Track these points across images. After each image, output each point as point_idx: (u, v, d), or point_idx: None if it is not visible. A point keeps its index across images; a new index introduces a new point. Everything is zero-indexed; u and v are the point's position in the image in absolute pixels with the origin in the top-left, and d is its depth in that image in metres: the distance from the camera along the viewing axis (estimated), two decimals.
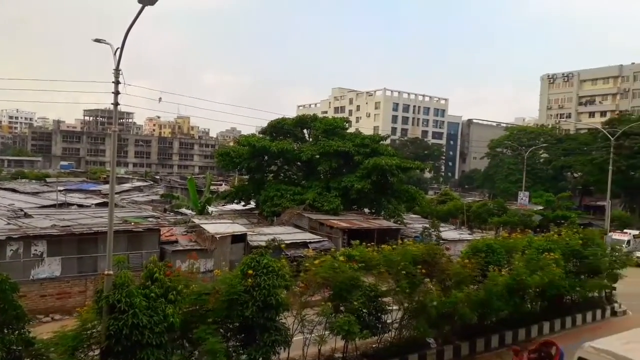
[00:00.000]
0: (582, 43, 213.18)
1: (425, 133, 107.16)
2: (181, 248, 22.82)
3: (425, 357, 14.94)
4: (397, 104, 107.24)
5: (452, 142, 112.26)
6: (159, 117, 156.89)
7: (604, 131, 44.62)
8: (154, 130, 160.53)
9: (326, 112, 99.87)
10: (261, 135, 39.22)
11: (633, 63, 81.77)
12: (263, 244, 20.82)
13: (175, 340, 10.77)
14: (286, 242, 23.94)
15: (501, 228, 41.23)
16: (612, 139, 37.89)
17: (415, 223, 36.23)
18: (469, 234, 33.12)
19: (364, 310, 13.18)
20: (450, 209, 48.42)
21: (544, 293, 18.18)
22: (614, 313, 22.08)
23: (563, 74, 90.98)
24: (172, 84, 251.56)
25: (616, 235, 37.90)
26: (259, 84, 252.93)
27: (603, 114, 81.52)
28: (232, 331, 11.66)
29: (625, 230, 41.84)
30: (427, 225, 31.82)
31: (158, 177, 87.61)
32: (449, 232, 33.82)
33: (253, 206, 38.55)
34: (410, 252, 14.87)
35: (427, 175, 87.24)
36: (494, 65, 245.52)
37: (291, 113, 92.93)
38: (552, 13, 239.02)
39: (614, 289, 22.56)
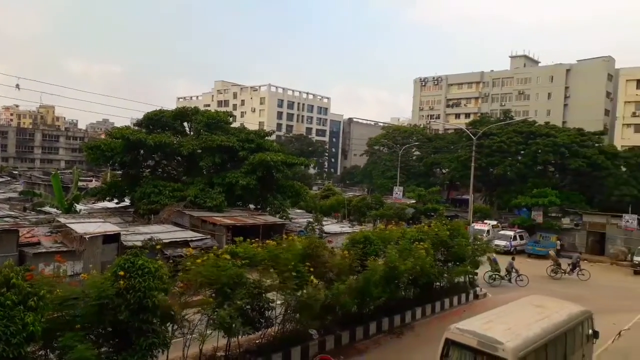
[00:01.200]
0: (451, 49, 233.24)
1: (309, 130, 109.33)
2: (44, 250, 20.56)
3: (307, 349, 15.14)
4: (282, 101, 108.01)
5: (334, 140, 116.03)
6: (17, 106, 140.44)
7: (468, 131, 49.10)
8: (11, 120, 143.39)
9: (209, 106, 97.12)
10: (137, 128, 36.72)
11: (492, 70, 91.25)
12: (139, 244, 19.59)
13: (37, 350, 9.68)
14: (165, 241, 22.82)
15: (378, 221, 43.54)
16: (474, 138, 41.75)
17: (300, 218, 36.72)
18: (350, 227, 34.40)
19: (248, 307, 12.98)
20: (332, 203, 49.96)
21: (416, 280, 19.47)
22: (476, 296, 24.37)
23: (433, 78, 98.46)
24: (33, 70, 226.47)
25: (478, 226, 41.95)
26: (134, 75, 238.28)
27: (467, 115, 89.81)
28: (104, 337, 10.77)
29: (485, 221, 46.44)
30: (311, 220, 32.44)
31: (16, 172, 78.39)
32: (331, 226, 34.79)
33: (128, 204, 36.12)
34: (297, 247, 14.95)
35: (312, 171, 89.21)
36: (372, 67, 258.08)
37: (171, 105, 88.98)
38: (425, 21, 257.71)
39: (476, 274, 24.93)
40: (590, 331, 13.75)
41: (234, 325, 12.05)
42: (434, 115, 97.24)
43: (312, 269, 14.88)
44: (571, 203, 48.85)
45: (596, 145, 53.37)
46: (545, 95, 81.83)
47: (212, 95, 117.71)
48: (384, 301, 17.98)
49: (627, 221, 41.52)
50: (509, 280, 28.50)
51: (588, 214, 46.45)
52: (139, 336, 10.67)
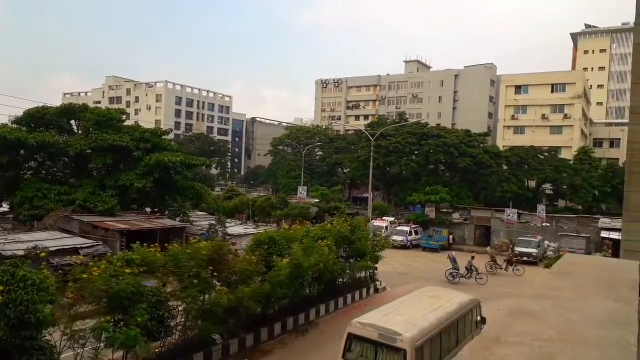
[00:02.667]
0: (350, 52, 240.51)
1: (210, 129, 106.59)
2: None
3: (210, 354, 14.73)
4: (181, 98, 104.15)
5: (237, 139, 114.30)
6: None
7: (366, 133, 50.94)
8: None
9: (99, 102, 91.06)
10: (15, 126, 33.28)
11: (388, 74, 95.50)
12: (21, 253, 17.82)
13: None
14: (51, 249, 20.96)
15: (283, 220, 43.66)
16: (372, 139, 43.40)
17: (201, 220, 35.62)
18: (254, 228, 34.07)
19: (147, 317, 12.27)
20: (236, 204, 49.16)
21: (320, 277, 19.78)
22: (376, 290, 25.33)
23: (334, 80, 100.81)
24: None
25: (377, 222, 43.65)
26: (9, 69, 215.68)
27: (366, 117, 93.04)
28: None
29: (383, 218, 48.46)
30: (214, 222, 31.63)
31: None
32: (235, 227, 34.19)
33: (6, 209, 32.64)
34: (199, 251, 14.42)
35: (214, 171, 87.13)
36: (274, 67, 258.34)
37: (55, 101, 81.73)
38: (324, 23, 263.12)
39: (376, 268, 25.89)
40: (479, 317, 14.88)
41: (136, 347, 11.35)
42: (335, 116, 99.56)
43: (215, 274, 14.49)
44: (460, 199, 52.63)
45: (481, 145, 57.99)
46: (437, 98, 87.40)
47: (103, 92, 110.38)
48: (289, 301, 18.03)
49: (509, 215, 45.65)
50: (468, 278, 28.82)
51: (475, 209, 50.38)
52: (21, 354, 9.67)
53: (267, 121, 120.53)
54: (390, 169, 58.07)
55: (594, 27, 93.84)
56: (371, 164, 42.57)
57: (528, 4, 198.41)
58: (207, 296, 14.29)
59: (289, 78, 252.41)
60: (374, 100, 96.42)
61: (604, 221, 41.49)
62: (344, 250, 22.83)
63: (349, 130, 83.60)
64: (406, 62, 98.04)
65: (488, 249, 37.88)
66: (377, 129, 56.48)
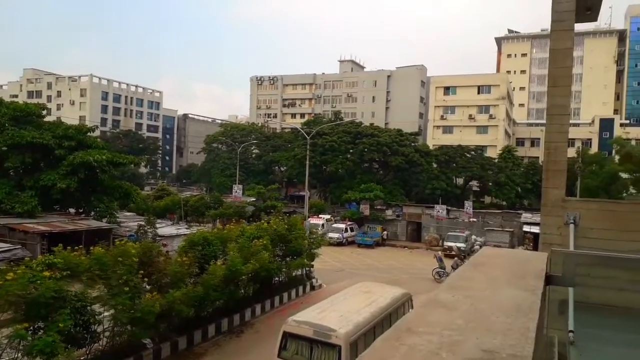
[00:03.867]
0: (288, 49, 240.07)
1: (139, 125, 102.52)
2: None
3: (141, 359, 14.21)
4: (107, 93, 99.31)
5: (168, 136, 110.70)
6: None
7: (302, 131, 51.16)
8: None
9: (16, 96, 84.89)
10: None
11: (323, 73, 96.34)
12: None
13: None
14: None
15: (218, 220, 42.88)
16: (308, 138, 43.63)
17: (130, 221, 34.17)
18: (187, 229, 33.18)
19: (70, 323, 11.62)
20: (167, 204, 47.66)
21: (256, 277, 19.61)
22: (312, 288, 25.49)
23: (269, 77, 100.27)
24: None
25: (313, 220, 43.92)
26: None
27: (303, 115, 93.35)
28: None
29: (320, 216, 48.90)
30: (143, 223, 30.45)
31: None
32: (166, 228, 33.10)
33: None
34: (128, 254, 13.81)
35: (143, 170, 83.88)
36: (207, 62, 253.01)
37: None
38: (261, 19, 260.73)
39: (312, 266, 26.05)
40: (410, 310, 15.37)
41: (57, 354, 10.68)
42: (271, 114, 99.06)
43: (145, 278, 13.98)
44: (393, 196, 54.13)
45: (412, 144, 59.97)
46: (371, 98, 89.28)
47: (21, 85, 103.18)
48: (224, 302, 17.74)
49: (438, 211, 47.49)
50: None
51: (407, 206, 52.01)
52: None
53: (200, 118, 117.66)
54: (326, 168, 58.70)
55: (516, 32, 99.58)
56: (307, 162, 42.79)
57: (458, 9, 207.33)
58: (137, 301, 13.74)
59: (223, 74, 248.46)
60: (310, 99, 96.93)
61: (525, 216, 44.20)
62: (280, 249, 22.77)
63: (285, 128, 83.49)
64: (341, 61, 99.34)
65: (454, 246, 38.99)
66: (314, 127, 56.89)
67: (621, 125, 73.71)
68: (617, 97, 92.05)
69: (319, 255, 25.81)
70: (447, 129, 74.33)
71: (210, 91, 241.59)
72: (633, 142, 58.99)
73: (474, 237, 43.18)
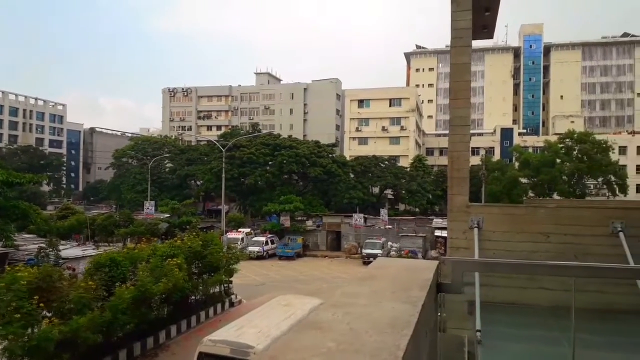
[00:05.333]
0: (199, 62, 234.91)
1: (40, 141, 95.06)
2: None
3: None
4: (2, 107, 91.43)
5: (73, 152, 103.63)
6: None
7: (217, 144, 50.15)
8: None
9: None
10: None
11: (240, 85, 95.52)
12: None
13: None
14: None
15: (128, 239, 40.65)
16: (223, 150, 42.88)
17: (29, 244, 31.40)
18: (94, 249, 31.10)
19: None
20: (72, 224, 44.34)
21: (169, 297, 18.73)
22: (231, 304, 24.83)
23: (183, 89, 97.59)
24: None
25: (232, 235, 43.13)
26: None
27: (219, 127, 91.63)
28: None
29: (239, 229, 48.09)
30: (44, 245, 28.11)
31: None
32: (71, 250, 30.83)
33: None
34: (19, 281, 12.59)
35: (46, 188, 77.79)
36: (116, 74, 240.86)
37: None
38: (174, 31, 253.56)
39: (231, 282, 25.42)
40: None
41: None
42: (185, 126, 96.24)
43: (42, 304, 12.83)
44: (313, 207, 54.59)
45: (330, 155, 61.01)
46: (288, 110, 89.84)
47: None
48: (135, 325, 16.74)
49: (356, 220, 48.53)
50: None
51: (326, 216, 52.63)
52: None
53: (109, 132, 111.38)
54: (245, 180, 57.96)
55: (423, 48, 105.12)
56: (223, 175, 41.98)
57: (370, 26, 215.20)
58: (34, 330, 12.57)
59: (134, 87, 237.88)
60: (227, 111, 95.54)
61: (437, 221, 46.39)
62: (196, 266, 21.98)
63: (201, 140, 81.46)
64: (257, 74, 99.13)
65: (433, 253, 39.57)
66: (231, 139, 56.03)
67: (519, 134, 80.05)
68: (515, 108, 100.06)
69: (238, 271, 25.24)
70: (363, 140, 76.53)
71: (120, 104, 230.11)
72: (530, 150, 64.28)
73: (390, 243, 44.54)
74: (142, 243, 23.17)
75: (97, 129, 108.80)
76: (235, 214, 57.26)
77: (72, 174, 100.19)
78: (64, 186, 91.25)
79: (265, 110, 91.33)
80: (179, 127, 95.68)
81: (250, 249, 41.89)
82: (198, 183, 67.88)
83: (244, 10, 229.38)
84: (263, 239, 45.14)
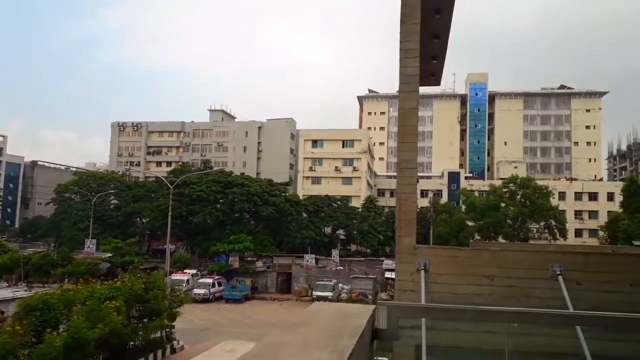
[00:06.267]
0: (156, 97, 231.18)
1: None
2: None
3: None
4: None
5: (12, 186, 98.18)
6: None
7: (166, 180, 48.89)
8: None
9: None
10: None
11: (192, 121, 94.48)
12: None
13: None
14: None
15: (66, 280, 38.35)
16: (171, 187, 41.83)
17: None
18: (26, 291, 29.03)
19: None
20: (5, 262, 41.44)
21: (106, 343, 17.56)
22: (173, 350, 23.57)
23: (133, 124, 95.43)
24: None
25: (177, 276, 41.54)
26: None
27: (169, 164, 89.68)
28: None
29: (185, 271, 46.33)
30: None
31: None
32: (1, 291, 28.67)
33: None
34: None
35: None
36: (62, 106, 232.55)
37: None
38: (125, 65, 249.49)
39: (173, 327, 24.21)
40: None
41: None
42: (134, 162, 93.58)
43: None
44: (264, 247, 53.66)
45: (283, 194, 60.69)
46: (242, 148, 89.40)
47: None
48: None
49: (307, 260, 48.03)
50: None
51: (277, 256, 51.82)
52: None
53: (52, 165, 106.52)
54: (193, 218, 56.41)
55: (375, 92, 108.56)
56: (170, 213, 40.67)
57: (326, 68, 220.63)
58: None
59: (81, 120, 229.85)
60: (178, 147, 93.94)
61: (387, 263, 46.60)
62: (136, 309, 20.86)
63: (149, 177, 79.26)
64: (211, 110, 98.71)
65: (383, 295, 38.94)
66: (181, 176, 54.82)
67: (466, 178, 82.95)
68: (462, 152, 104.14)
69: (181, 314, 24.15)
70: (316, 180, 76.96)
71: (65, 138, 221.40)
72: (476, 194, 66.55)
73: (340, 285, 44.20)
74: (80, 284, 21.83)
75: (39, 163, 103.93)
76: (182, 254, 55.44)
77: (9, 209, 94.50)
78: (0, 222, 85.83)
79: (218, 147, 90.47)
80: (127, 162, 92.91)
81: (196, 291, 40.46)
82: (144, 221, 65.54)
83: (200, 46, 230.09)
84: (210, 280, 43.70)
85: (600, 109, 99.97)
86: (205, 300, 40.55)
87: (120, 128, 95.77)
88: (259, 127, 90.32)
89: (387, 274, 43.67)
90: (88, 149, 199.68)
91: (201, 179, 58.48)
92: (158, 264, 49.81)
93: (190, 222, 56.94)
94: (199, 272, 47.36)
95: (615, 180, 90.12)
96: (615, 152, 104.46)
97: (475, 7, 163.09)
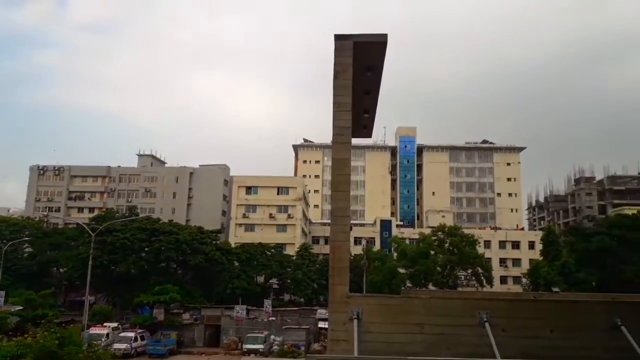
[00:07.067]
0: (77, 140, 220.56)
1: None
2: None
3: None
4: None
5: None
6: None
7: (86, 227, 46.12)
8: None
9: None
10: None
11: (119, 166, 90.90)
12: None
13: None
14: None
15: None
16: (92, 234, 39.51)
17: None
18: None
19: None
20: None
21: None
22: None
23: (54, 167, 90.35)
24: None
25: (95, 330, 38.61)
26: None
27: (92, 210, 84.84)
28: None
29: (105, 324, 43.17)
30: None
31: None
32: None
33: None
34: None
35: None
36: None
37: None
38: (44, 105, 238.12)
39: None
40: None
41: None
42: (53, 207, 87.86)
43: None
44: (192, 298, 51.27)
45: (214, 242, 58.96)
46: (171, 194, 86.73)
47: None
48: None
49: (238, 312, 46.34)
50: None
51: (206, 308, 49.59)
52: None
53: None
54: (116, 268, 53.11)
55: (310, 142, 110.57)
56: (90, 262, 38.09)
57: (260, 116, 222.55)
58: None
59: None
60: (102, 192, 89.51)
61: (321, 312, 45.99)
62: None
63: (69, 223, 74.49)
64: (140, 155, 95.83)
65: None
66: (104, 223, 51.93)
67: (397, 226, 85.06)
68: (393, 201, 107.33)
69: None
70: (249, 227, 75.85)
71: None
72: (407, 241, 68.16)
73: (272, 337, 42.86)
74: None
75: None
76: (102, 306, 51.85)
77: None
78: None
79: (146, 193, 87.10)
80: (46, 207, 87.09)
81: (116, 346, 37.70)
82: (61, 271, 61.02)
83: (128, 90, 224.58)
84: (132, 334, 40.92)
85: (519, 162, 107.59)
86: (126, 355, 37.79)
87: (40, 171, 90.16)
88: (191, 173, 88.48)
89: (321, 324, 43.00)
90: (1, 193, 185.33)
91: (126, 226, 55.65)
92: (75, 317, 46.08)
93: (112, 272, 53.54)
94: (120, 326, 44.24)
95: (535, 230, 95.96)
96: (534, 203, 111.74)
97: (406, 65, 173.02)
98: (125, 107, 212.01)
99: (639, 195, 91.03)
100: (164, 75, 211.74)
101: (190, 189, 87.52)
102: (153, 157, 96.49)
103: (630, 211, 62.95)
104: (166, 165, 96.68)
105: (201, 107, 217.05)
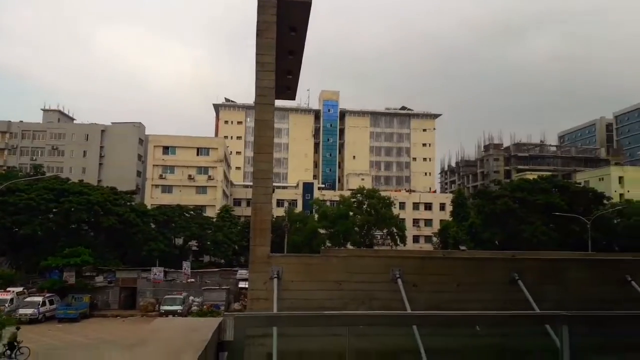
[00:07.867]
0: None
1: None
2: None
3: None
4: None
5: None
6: None
7: None
8: None
9: None
10: None
11: (22, 121, 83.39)
12: None
13: None
14: None
15: None
16: None
17: None
18: None
19: None
20: None
21: None
22: None
23: None
24: None
25: None
26: None
27: None
28: None
29: (8, 289, 40.60)
30: None
31: None
32: None
33: None
34: None
35: None
36: None
37: None
38: None
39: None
40: None
41: None
42: None
43: None
44: (105, 260, 49.22)
45: (128, 203, 56.51)
46: (81, 152, 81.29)
47: None
48: None
49: (155, 274, 45.27)
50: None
51: (121, 270, 47.92)
52: None
53: None
54: (20, 230, 49.54)
55: (232, 102, 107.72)
56: None
57: (178, 73, 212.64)
58: None
59: None
60: (3, 149, 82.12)
61: (241, 273, 46.16)
62: None
63: None
64: (45, 110, 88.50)
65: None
66: (5, 182, 47.85)
67: (319, 188, 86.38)
68: (316, 164, 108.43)
69: (2, 339, 20.96)
70: (167, 189, 73.45)
71: None
72: (328, 203, 69.64)
73: (191, 298, 42.60)
74: None
75: None
76: (5, 270, 48.38)
77: None
78: None
79: (53, 151, 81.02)
80: None
81: (22, 311, 35.74)
82: None
83: (31, 44, 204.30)
84: (39, 299, 38.85)
85: (434, 129, 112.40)
86: (33, 321, 35.88)
87: None
88: (102, 131, 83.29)
89: (241, 284, 43.26)
90: None
91: (31, 185, 51.70)
92: None
93: (16, 234, 49.94)
94: (25, 290, 41.77)
95: (447, 193, 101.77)
96: (446, 168, 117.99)
97: (330, 28, 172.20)
98: (30, 63, 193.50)
99: (540, 161, 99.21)
100: (74, 30, 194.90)
101: (102, 147, 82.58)
102: (60, 112, 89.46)
103: (531, 176, 68.69)
104: (75, 122, 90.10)
105: (116, 66, 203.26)
